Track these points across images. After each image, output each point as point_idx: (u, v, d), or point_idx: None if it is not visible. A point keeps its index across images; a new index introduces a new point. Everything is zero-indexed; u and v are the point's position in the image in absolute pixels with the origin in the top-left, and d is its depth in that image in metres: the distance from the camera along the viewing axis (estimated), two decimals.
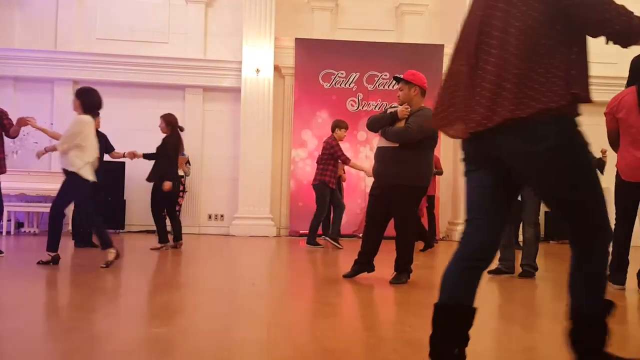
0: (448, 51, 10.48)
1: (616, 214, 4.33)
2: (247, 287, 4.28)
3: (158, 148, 6.84)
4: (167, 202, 6.83)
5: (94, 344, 2.45)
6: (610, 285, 4.24)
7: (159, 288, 4.18)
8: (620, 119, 4.20)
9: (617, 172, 4.31)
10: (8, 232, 8.81)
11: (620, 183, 4.28)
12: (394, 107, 4.53)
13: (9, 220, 8.88)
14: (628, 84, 4.31)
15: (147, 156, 6.92)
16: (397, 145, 4.35)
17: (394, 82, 4.70)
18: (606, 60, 10.91)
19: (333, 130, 7.65)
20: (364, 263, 4.58)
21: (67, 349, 2.35)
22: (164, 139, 6.87)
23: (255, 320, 3.01)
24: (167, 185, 6.57)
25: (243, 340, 2.57)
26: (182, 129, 7.04)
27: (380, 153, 4.51)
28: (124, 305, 3.52)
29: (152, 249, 6.62)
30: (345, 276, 4.59)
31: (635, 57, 4.32)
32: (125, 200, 9.70)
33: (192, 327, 2.81)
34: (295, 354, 2.35)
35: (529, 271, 4.89)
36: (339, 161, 7.59)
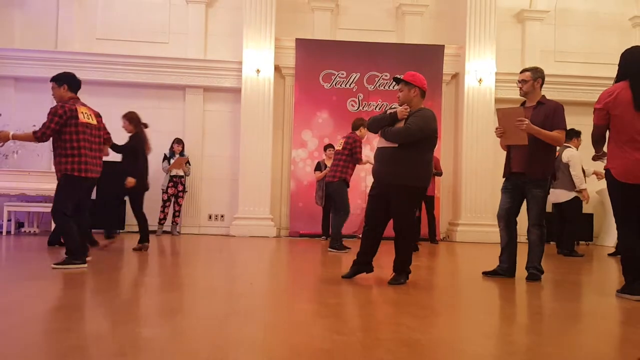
0: (448, 52, 10.50)
1: (620, 218, 4.06)
2: (245, 287, 4.27)
3: (125, 147, 6.77)
4: (132, 199, 6.82)
5: (91, 343, 2.44)
6: (629, 297, 3.97)
7: (156, 288, 4.18)
8: (615, 116, 3.97)
9: (610, 173, 4.05)
10: (8, 232, 8.82)
11: (617, 185, 4.00)
12: (394, 107, 4.53)
13: (9, 220, 8.89)
14: (618, 79, 4.11)
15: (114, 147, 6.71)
16: (396, 145, 4.35)
17: (394, 82, 4.68)
18: (608, 61, 10.95)
19: (357, 128, 7.22)
20: (363, 264, 4.58)
21: (63, 349, 2.34)
22: (131, 137, 6.83)
23: (251, 320, 3.01)
24: (130, 181, 6.57)
25: (239, 340, 2.56)
26: (146, 126, 6.98)
27: (379, 153, 4.50)
28: (121, 305, 3.52)
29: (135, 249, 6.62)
30: (344, 277, 4.59)
31: (626, 50, 4.19)
32: (125, 200, 9.68)
33: (188, 327, 2.80)
34: (291, 354, 2.35)
35: (535, 274, 4.80)
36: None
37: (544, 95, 4.94)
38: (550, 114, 4.75)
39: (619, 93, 3.98)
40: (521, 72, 4.99)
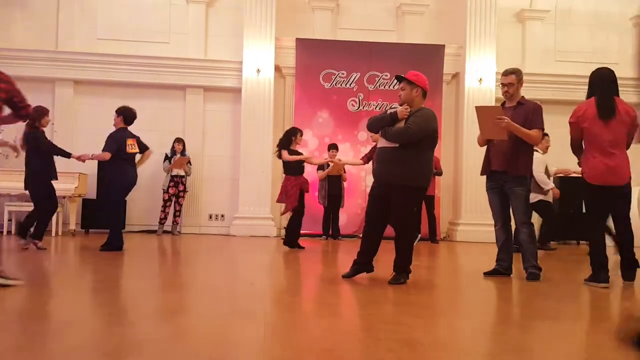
0: (448, 51, 10.50)
1: (592, 216, 4.64)
2: (245, 287, 4.28)
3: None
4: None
5: (91, 343, 2.45)
6: (595, 285, 4.49)
7: (157, 288, 4.19)
8: (585, 129, 4.54)
9: (583, 177, 4.61)
10: (9, 232, 8.83)
11: (589, 187, 4.55)
12: (395, 107, 4.53)
13: (9, 220, 8.89)
14: (588, 96, 4.65)
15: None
16: (397, 145, 4.35)
17: (395, 82, 4.69)
18: (608, 61, 10.94)
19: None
20: (363, 263, 4.58)
21: (63, 349, 2.35)
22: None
23: (252, 319, 3.01)
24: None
25: (239, 339, 2.57)
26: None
27: (380, 153, 4.50)
28: (122, 305, 3.53)
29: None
30: (344, 276, 4.58)
31: (593, 71, 4.70)
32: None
33: (188, 326, 2.81)
34: (291, 353, 2.35)
35: (535, 273, 4.80)
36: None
37: (523, 96, 5.04)
38: (530, 113, 4.86)
39: (586, 109, 4.55)
40: (506, 75, 5.03)
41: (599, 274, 4.48)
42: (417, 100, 4.47)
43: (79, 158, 6.56)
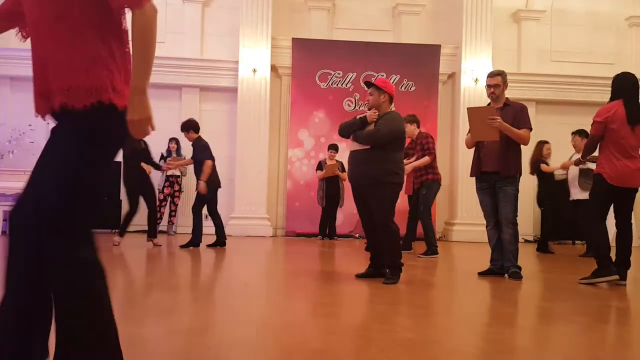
0: (445, 51, 10.52)
1: (596, 214, 4.66)
2: (239, 287, 4.28)
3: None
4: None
5: None
6: (605, 279, 4.58)
7: (151, 288, 4.18)
8: (613, 130, 4.57)
9: (601, 177, 4.62)
10: (4, 232, 8.81)
11: (605, 187, 4.60)
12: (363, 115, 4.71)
13: (4, 220, 8.87)
14: (612, 99, 4.70)
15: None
16: (368, 147, 4.52)
17: (366, 86, 4.85)
18: (604, 61, 10.98)
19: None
20: (377, 268, 4.68)
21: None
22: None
23: (245, 320, 3.01)
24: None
25: (231, 340, 2.56)
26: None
27: (352, 156, 4.69)
28: (115, 305, 3.51)
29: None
30: (357, 276, 4.67)
31: (616, 75, 4.77)
32: (122, 201, 9.68)
33: (182, 326, 2.80)
34: (283, 354, 2.35)
35: (518, 273, 4.85)
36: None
37: (507, 97, 5.10)
38: (517, 114, 4.92)
39: (617, 110, 4.59)
40: (492, 77, 5.08)
41: (609, 266, 4.54)
42: (384, 105, 4.66)
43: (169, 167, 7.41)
